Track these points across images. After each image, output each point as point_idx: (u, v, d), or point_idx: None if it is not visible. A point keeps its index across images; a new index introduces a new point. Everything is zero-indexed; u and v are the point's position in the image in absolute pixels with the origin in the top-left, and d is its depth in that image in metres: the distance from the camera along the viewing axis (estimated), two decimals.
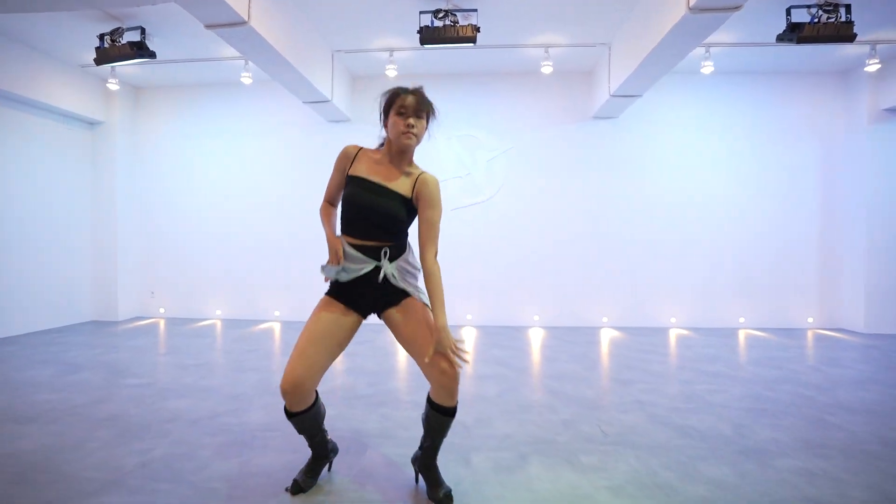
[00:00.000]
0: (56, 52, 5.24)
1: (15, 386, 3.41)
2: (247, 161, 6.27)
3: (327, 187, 1.95)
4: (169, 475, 2.09)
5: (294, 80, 4.65)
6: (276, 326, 5.84)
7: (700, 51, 4.84)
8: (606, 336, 5.34)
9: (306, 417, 1.82)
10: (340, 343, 1.80)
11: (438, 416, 1.78)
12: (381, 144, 1.92)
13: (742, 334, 5.45)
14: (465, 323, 5.93)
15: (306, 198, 6.11)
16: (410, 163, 1.87)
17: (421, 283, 1.84)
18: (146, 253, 6.45)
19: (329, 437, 2.04)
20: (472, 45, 4.10)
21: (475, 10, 4.11)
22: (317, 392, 1.87)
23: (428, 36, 4.07)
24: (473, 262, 5.79)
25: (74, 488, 1.99)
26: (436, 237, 1.79)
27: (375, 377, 3.66)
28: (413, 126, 1.77)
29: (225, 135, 6.29)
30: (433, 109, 1.85)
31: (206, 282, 6.33)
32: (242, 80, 5.31)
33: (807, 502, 1.88)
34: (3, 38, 4.79)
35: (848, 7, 3.80)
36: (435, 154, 5.95)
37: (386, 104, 1.83)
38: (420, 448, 1.93)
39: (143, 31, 4.48)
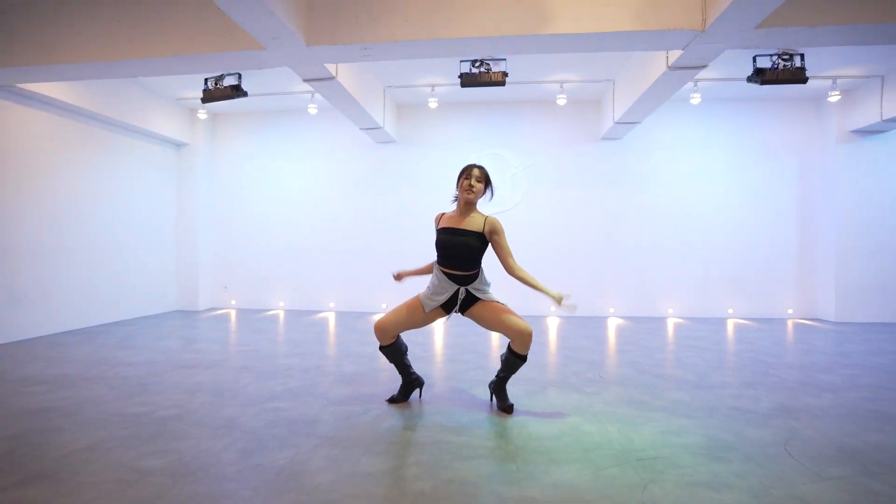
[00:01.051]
0: (157, 88, 6.47)
1: (161, 350, 4.58)
2: (307, 177, 7.45)
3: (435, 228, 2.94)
4: (308, 394, 3.19)
5: (357, 113, 5.79)
6: (332, 315, 6.96)
7: (689, 84, 5.84)
8: (613, 323, 6.33)
9: (390, 350, 2.89)
10: (420, 323, 2.86)
11: (515, 360, 2.80)
12: (454, 200, 2.91)
13: (730, 323, 6.38)
14: None
15: (357, 207, 7.26)
16: (475, 211, 2.87)
17: (489, 294, 2.85)
18: (221, 253, 7.66)
19: (413, 371, 3.08)
20: (502, 86, 5.17)
21: (504, 59, 5.19)
22: (398, 336, 2.91)
23: (467, 80, 5.15)
24: (499, 262, 6.84)
25: (253, 398, 3.10)
26: (509, 254, 2.79)
27: (424, 349, 4.73)
28: (473, 186, 2.77)
29: (289, 154, 7.48)
30: (490, 181, 2.85)
31: (270, 278, 7.50)
32: (309, 110, 6.47)
33: (732, 410, 2.88)
34: (121, 80, 6.00)
35: (802, 56, 4.78)
36: None
37: (460, 173, 2.86)
38: (496, 377, 2.96)
39: (239, 76, 5.67)
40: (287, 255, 7.47)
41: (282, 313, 7.14)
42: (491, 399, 3.03)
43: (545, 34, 3.61)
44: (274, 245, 7.50)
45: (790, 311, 6.72)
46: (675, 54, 4.08)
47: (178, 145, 7.45)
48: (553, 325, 6.21)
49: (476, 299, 2.83)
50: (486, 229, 2.79)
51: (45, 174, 5.38)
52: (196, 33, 3.90)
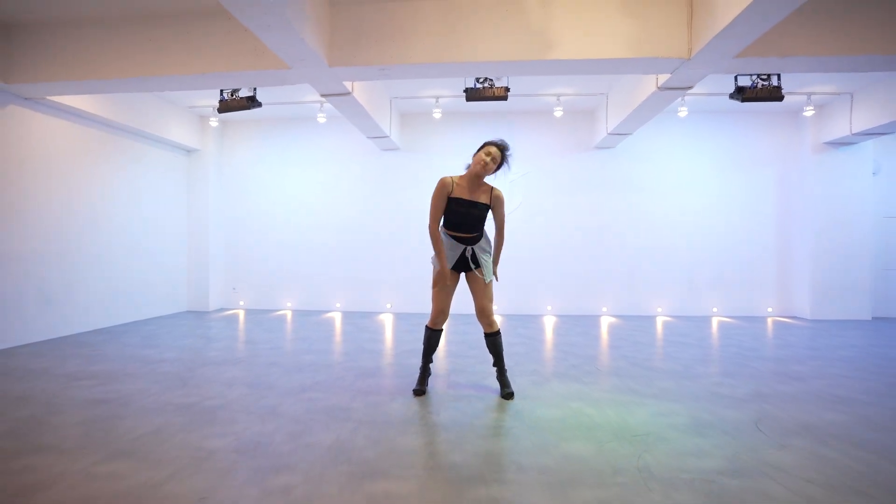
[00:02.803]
0: (171, 96, 6.74)
1: (186, 348, 4.88)
2: (314, 182, 7.76)
3: (434, 210, 3.18)
4: (336, 387, 3.53)
5: (366, 124, 6.13)
6: (339, 315, 7.29)
7: (678, 98, 6.26)
8: (606, 321, 6.75)
9: (438, 334, 3.27)
10: (452, 292, 3.24)
11: (490, 339, 3.20)
12: (467, 167, 3.22)
13: (714, 320, 6.84)
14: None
15: (362, 211, 7.60)
16: (483, 183, 3.21)
17: (486, 260, 3.22)
18: (230, 256, 7.94)
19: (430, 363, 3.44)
20: (504, 101, 5.55)
21: (506, 76, 5.56)
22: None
23: (471, 95, 5.52)
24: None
25: (287, 390, 3.43)
26: (503, 227, 3.21)
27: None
28: (487, 164, 3.07)
29: (297, 161, 7.79)
30: (506, 160, 3.18)
31: (278, 280, 7.80)
32: (318, 119, 6.79)
33: (713, 395, 3.29)
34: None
35: (778, 76, 5.23)
36: None
37: (480, 147, 3.17)
38: (493, 366, 3.33)
39: (254, 88, 5.97)
40: (294, 257, 7.78)
41: (289, 313, 7.44)
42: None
43: (547, 59, 3.99)
44: (281, 247, 7.81)
45: (770, 309, 7.20)
46: (663, 77, 4.49)
47: (189, 151, 7.71)
48: (549, 323, 6.61)
49: (475, 263, 3.17)
50: (493, 202, 3.16)
51: (67, 180, 5.63)
52: (226, 53, 4.22)
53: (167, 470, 2.17)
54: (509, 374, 3.59)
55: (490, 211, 3.19)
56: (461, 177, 3.20)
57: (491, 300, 3.20)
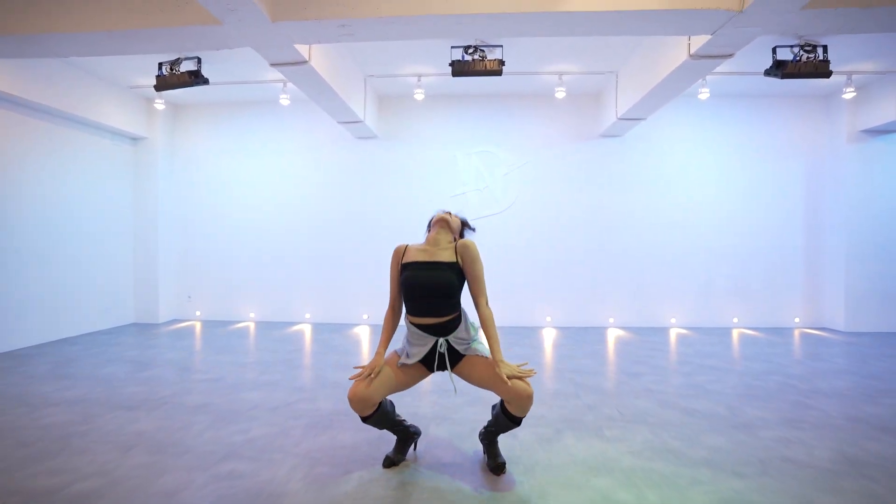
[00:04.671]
0: (106, 73, 5.70)
1: (102, 380, 3.89)
2: (279, 175, 6.76)
3: (391, 289, 2.32)
4: (274, 448, 2.60)
5: (334, 105, 5.16)
6: (308, 328, 6.33)
7: (711, 70, 5.39)
8: (613, 334, 5.88)
9: (375, 419, 2.26)
10: (403, 385, 2.26)
11: (508, 422, 2.23)
12: (427, 232, 2.43)
13: (735, 333, 6.00)
14: None
15: (335, 209, 6.63)
16: (445, 241, 2.33)
17: (475, 341, 2.28)
18: (184, 260, 6.92)
19: (409, 424, 2.49)
20: (498, 76, 4.62)
21: (500, 46, 4.63)
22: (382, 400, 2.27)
23: (459, 69, 4.58)
24: (490, 268, 6.29)
25: (204, 456, 2.49)
26: (483, 288, 2.24)
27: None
28: (446, 218, 2.38)
29: (259, 151, 6.78)
30: (468, 225, 2.52)
31: (239, 287, 6.81)
32: (281, 101, 5.80)
33: (785, 463, 2.41)
34: (57, 61, 5.23)
35: (825, 47, 4.37)
36: (455, 168, 6.50)
37: (433, 219, 2.43)
38: (485, 429, 2.42)
39: (199, 60, 4.97)
40: (258, 262, 6.79)
41: (252, 325, 6.47)
42: (484, 454, 2.45)
43: (552, 11, 3.07)
44: (243, 250, 6.81)
45: (796, 319, 6.38)
46: (698, 41, 3.59)
47: (134, 139, 6.67)
48: (549, 337, 5.72)
49: (461, 354, 2.25)
50: (459, 253, 2.23)
51: None
52: (138, 4, 3.23)
53: None
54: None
55: (461, 270, 2.25)
56: (414, 244, 2.39)
57: (518, 381, 2.11)
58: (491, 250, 6.38)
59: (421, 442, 2.67)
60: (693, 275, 6.42)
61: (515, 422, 2.22)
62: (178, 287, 6.94)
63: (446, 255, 2.25)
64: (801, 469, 2.34)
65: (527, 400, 2.11)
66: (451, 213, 2.47)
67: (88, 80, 5.65)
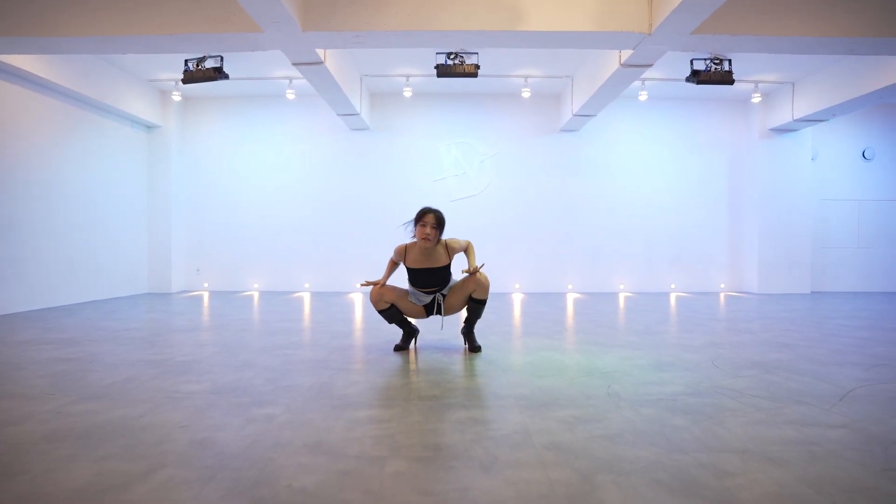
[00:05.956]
0: (130, 67, 6.47)
1: (152, 320, 4.73)
2: (281, 162, 7.63)
3: (388, 265, 3.31)
4: (311, 345, 3.54)
5: (337, 99, 6.10)
6: (307, 295, 7.21)
7: (638, 83, 6.57)
8: (571, 297, 7.00)
9: (388, 312, 3.25)
10: (407, 307, 3.25)
11: (477, 305, 3.25)
12: (413, 238, 3.14)
13: (672, 296, 7.22)
14: None
15: (331, 192, 7.55)
16: (433, 249, 3.21)
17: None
18: (193, 236, 7.69)
19: (410, 322, 3.49)
20: (474, 78, 5.66)
21: (476, 53, 5.68)
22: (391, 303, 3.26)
23: (442, 71, 5.61)
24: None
25: (263, 348, 3.42)
26: (472, 252, 3.25)
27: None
28: (429, 234, 3.04)
29: (263, 139, 7.64)
30: (443, 223, 3.09)
31: (244, 260, 7.63)
32: (287, 95, 6.69)
33: (674, 345, 3.51)
34: (93, 56, 5.96)
35: (730, 61, 5.59)
36: (437, 157, 7.51)
37: (416, 217, 3.08)
38: (464, 323, 3.42)
39: (221, 58, 5.82)
40: (261, 238, 7.63)
41: (257, 294, 7.30)
42: (465, 344, 3.45)
43: (516, 31, 4.12)
44: (247, 228, 7.64)
45: (722, 285, 7.67)
46: (626, 53, 4.72)
47: (150, 127, 7.42)
48: (517, 299, 6.79)
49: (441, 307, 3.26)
50: (451, 254, 3.19)
51: (13, 146, 5.32)
52: (194, 14, 4.12)
53: (143, 408, 2.14)
54: (478, 336, 3.68)
55: (450, 264, 3.20)
56: (412, 244, 3.18)
57: (479, 275, 3.17)
58: (467, 227, 7.42)
59: (420, 341, 3.66)
60: (638, 248, 7.62)
61: (482, 303, 3.25)
62: (188, 261, 7.70)
63: (439, 260, 3.15)
64: (680, 346, 3.44)
65: (486, 284, 3.18)
66: (430, 216, 3.03)
67: (114, 72, 6.41)
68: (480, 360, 3.04)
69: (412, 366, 2.92)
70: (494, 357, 3.14)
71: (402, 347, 3.36)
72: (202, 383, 2.52)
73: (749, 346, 3.49)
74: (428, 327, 4.13)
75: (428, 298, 3.24)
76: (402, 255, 3.20)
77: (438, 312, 3.28)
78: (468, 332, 3.39)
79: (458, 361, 3.03)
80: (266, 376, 2.66)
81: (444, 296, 3.25)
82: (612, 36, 4.14)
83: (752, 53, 5.62)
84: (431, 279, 3.17)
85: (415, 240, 3.14)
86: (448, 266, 3.21)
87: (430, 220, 3.06)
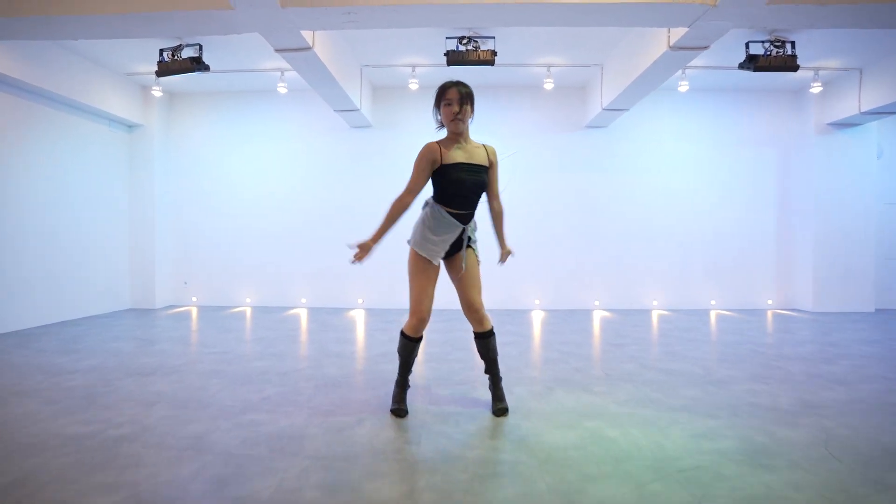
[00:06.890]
0: (104, 59, 5.77)
1: (112, 353, 4.03)
2: (274, 163, 6.90)
3: (415, 181, 2.48)
4: (288, 403, 2.80)
5: (333, 92, 5.33)
6: (304, 312, 6.49)
7: (678, 72, 5.70)
8: (599, 316, 6.19)
9: (417, 345, 2.57)
10: (435, 284, 2.56)
11: (482, 341, 2.55)
12: (438, 128, 2.57)
13: (714, 314, 6.37)
14: None
15: (331, 196, 6.80)
16: (468, 139, 2.54)
17: (475, 233, 2.65)
18: (180, 246, 7.01)
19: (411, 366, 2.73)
20: (490, 66, 4.86)
21: (493, 37, 4.87)
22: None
23: (454, 59, 4.82)
24: (481, 253, 6.58)
25: (224, 409, 2.69)
26: (497, 183, 2.62)
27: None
28: (458, 112, 2.41)
29: (254, 139, 6.91)
30: (472, 96, 2.47)
31: (236, 272, 6.93)
32: (279, 89, 5.95)
33: (753, 407, 2.71)
34: (56, 46, 5.27)
35: (793, 43, 4.71)
36: None
37: (437, 97, 2.47)
38: (485, 372, 2.67)
39: (200, 47, 5.09)
40: (254, 248, 6.92)
41: (249, 310, 6.60)
42: (489, 389, 2.70)
43: (540, 2, 3.31)
44: (239, 235, 6.93)
45: (769, 301, 6.78)
46: (676, 33, 3.88)
47: (130, 126, 6.73)
48: (538, 318, 6.00)
49: (462, 243, 2.56)
50: (490, 159, 2.55)
51: None
52: None
53: None
54: (503, 382, 2.93)
55: (488, 174, 2.55)
56: (444, 140, 2.52)
57: (480, 290, 2.56)
58: (483, 234, 6.63)
59: (424, 397, 2.90)
60: (672, 259, 6.76)
61: (482, 338, 2.57)
62: (174, 273, 7.03)
63: (481, 158, 2.50)
64: (766, 411, 2.64)
65: (469, 310, 2.55)
66: (452, 90, 2.42)
67: (86, 65, 5.71)
68: (509, 442, 2.27)
69: (415, 452, 2.15)
70: (525, 432, 2.36)
71: (401, 411, 2.60)
72: (118, 492, 1.79)
73: (858, 410, 2.66)
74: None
75: (454, 231, 2.48)
76: (437, 151, 2.43)
77: (452, 253, 2.56)
78: (493, 385, 2.65)
79: (476, 440, 2.27)
80: (212, 473, 1.93)
81: (470, 238, 2.58)
82: (665, 8, 3.31)
83: (817, 35, 4.76)
84: (476, 186, 2.46)
85: (442, 133, 2.52)
86: (486, 170, 2.52)
87: (453, 95, 2.41)
